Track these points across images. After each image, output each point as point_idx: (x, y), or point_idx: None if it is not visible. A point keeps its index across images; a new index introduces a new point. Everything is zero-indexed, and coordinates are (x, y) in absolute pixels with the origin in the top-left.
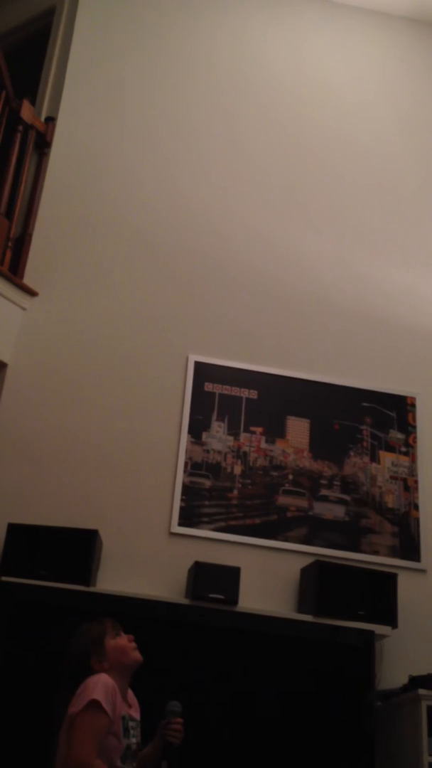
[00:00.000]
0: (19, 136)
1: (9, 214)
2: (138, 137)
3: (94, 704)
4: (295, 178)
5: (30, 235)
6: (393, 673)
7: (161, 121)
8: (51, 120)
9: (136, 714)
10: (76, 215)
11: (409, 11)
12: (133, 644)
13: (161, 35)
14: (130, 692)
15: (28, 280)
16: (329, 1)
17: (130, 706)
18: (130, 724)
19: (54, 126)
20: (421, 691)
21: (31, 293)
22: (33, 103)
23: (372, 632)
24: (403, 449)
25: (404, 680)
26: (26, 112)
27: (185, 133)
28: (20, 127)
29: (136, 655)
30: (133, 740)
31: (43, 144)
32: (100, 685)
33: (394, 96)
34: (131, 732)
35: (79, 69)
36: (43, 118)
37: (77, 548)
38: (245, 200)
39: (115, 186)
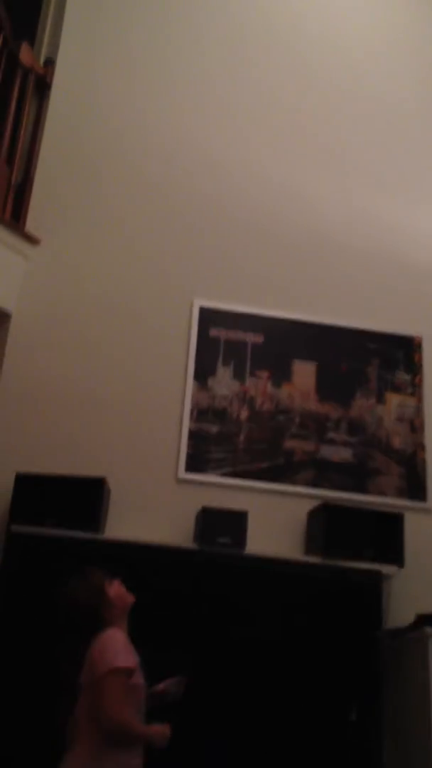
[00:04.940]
0: (18, 80)
1: (10, 160)
2: (139, 77)
3: (120, 671)
4: (299, 115)
5: (31, 182)
6: (400, 612)
7: (163, 60)
8: (50, 62)
9: None
10: (77, 160)
11: None
12: (123, 586)
13: None
14: None
15: (30, 227)
16: None
17: None
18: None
19: (53, 68)
20: (428, 629)
21: (34, 241)
22: (32, 45)
23: (379, 572)
24: (410, 390)
25: (411, 619)
26: (25, 55)
27: (187, 72)
28: (19, 71)
29: (131, 597)
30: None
31: (43, 87)
32: (119, 647)
33: (397, 26)
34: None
35: (79, 9)
36: (42, 61)
37: (85, 496)
38: (249, 140)
39: (117, 128)
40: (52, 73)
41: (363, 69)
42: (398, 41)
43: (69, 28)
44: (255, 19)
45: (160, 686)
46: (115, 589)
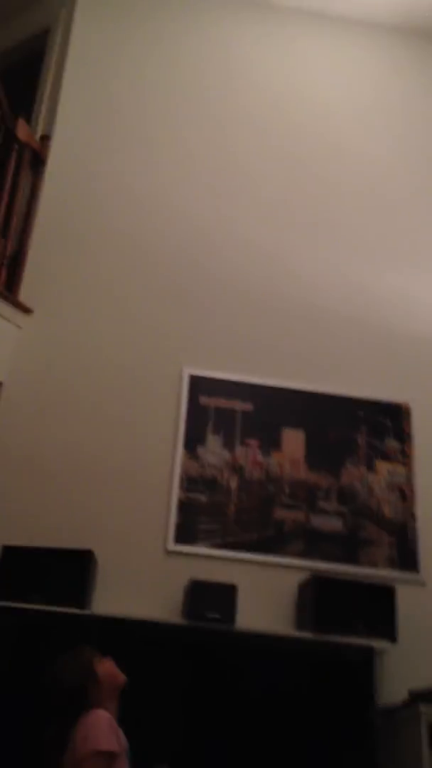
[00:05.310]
0: (14, 155)
1: (4, 232)
2: (132, 153)
3: (102, 754)
4: (288, 188)
5: (25, 253)
6: (393, 688)
7: (155, 137)
8: (46, 138)
9: None
10: (71, 232)
11: (399, 21)
12: (115, 665)
13: (153, 52)
14: None
15: (23, 297)
16: (319, 14)
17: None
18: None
19: (49, 144)
20: (422, 707)
21: (26, 311)
22: (28, 121)
23: (371, 648)
24: (399, 458)
25: (405, 695)
26: (22, 130)
27: (179, 148)
28: (15, 146)
29: (122, 676)
30: None
31: (38, 162)
32: (103, 729)
33: (386, 105)
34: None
35: (74, 87)
36: (38, 137)
37: (71, 570)
38: (238, 212)
39: (110, 202)
40: (48, 149)
41: (353, 146)
42: (387, 120)
43: (65, 104)
44: (246, 93)
45: None
46: (106, 667)
